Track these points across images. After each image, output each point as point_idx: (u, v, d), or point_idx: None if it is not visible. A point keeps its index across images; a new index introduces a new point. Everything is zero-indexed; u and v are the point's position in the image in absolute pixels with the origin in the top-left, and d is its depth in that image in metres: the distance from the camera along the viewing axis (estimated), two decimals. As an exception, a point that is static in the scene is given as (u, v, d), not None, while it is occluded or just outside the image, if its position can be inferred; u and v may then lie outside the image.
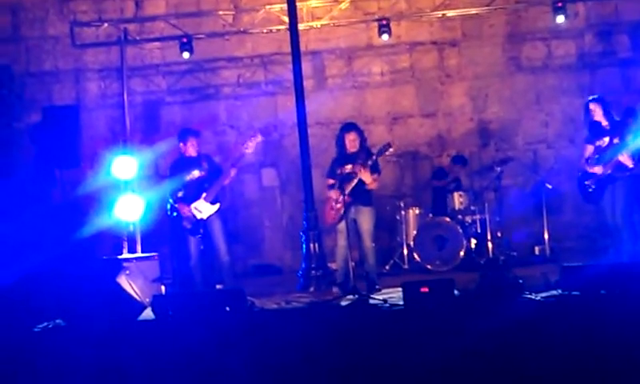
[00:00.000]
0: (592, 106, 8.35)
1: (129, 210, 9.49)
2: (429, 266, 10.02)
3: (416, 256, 10.16)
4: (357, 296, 7.89)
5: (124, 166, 9.61)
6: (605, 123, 8.29)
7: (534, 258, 10.40)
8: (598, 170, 8.21)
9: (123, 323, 7.25)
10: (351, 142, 8.59)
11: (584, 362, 5.70)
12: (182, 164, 8.80)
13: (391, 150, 8.72)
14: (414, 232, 10.30)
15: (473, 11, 11.04)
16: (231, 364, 6.08)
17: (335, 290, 8.45)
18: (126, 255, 9.35)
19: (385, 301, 7.62)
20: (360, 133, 8.69)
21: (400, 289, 7.26)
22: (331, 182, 8.67)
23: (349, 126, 8.79)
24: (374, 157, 8.50)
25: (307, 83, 10.39)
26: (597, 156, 8.30)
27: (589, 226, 10.73)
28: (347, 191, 8.38)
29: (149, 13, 11.77)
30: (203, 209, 8.58)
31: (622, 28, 11.41)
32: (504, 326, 6.12)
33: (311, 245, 9.20)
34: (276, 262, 11.76)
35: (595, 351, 5.77)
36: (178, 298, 7.73)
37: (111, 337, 6.70)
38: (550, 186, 10.52)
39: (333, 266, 8.88)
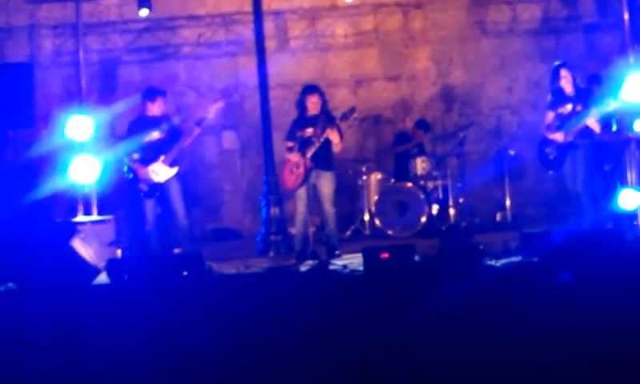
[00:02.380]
0: (563, 71, 8.23)
1: (84, 171, 9.26)
2: (390, 232, 9.97)
3: (377, 222, 10.10)
4: (316, 261, 7.84)
5: (79, 126, 9.36)
6: (569, 90, 8.23)
7: (495, 225, 10.41)
8: (559, 136, 8.16)
9: (77, 287, 7.13)
10: (313, 104, 8.46)
11: (541, 328, 5.69)
12: (141, 124, 8.60)
13: (356, 114, 8.67)
14: (376, 197, 10.24)
15: (438, -28, 10.93)
16: (188, 329, 5.97)
17: (293, 258, 8.35)
18: (80, 218, 9.16)
19: (345, 266, 7.60)
20: (322, 95, 8.56)
21: (360, 254, 7.22)
22: (290, 144, 8.54)
23: (310, 88, 8.66)
24: (338, 121, 8.39)
25: (269, 44, 10.23)
26: (558, 123, 8.25)
27: (550, 193, 10.73)
28: (309, 155, 8.26)
29: (107, -32, 11.45)
30: (161, 171, 8.41)
31: (587, -8, 11.36)
32: (464, 293, 6.10)
33: (271, 209, 9.15)
34: (235, 226, 11.64)
35: (553, 318, 5.76)
36: (133, 262, 7.65)
37: (64, 301, 6.58)
38: (512, 153, 10.51)
39: (293, 231, 8.80)
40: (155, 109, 8.59)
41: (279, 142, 9.26)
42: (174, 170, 8.46)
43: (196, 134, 8.53)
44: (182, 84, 11.72)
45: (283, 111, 10.35)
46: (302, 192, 8.32)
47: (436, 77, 11.69)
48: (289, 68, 11.27)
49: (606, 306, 5.73)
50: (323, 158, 8.36)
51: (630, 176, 8.30)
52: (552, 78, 8.33)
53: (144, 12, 10.55)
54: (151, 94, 8.69)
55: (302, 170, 8.29)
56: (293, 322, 5.97)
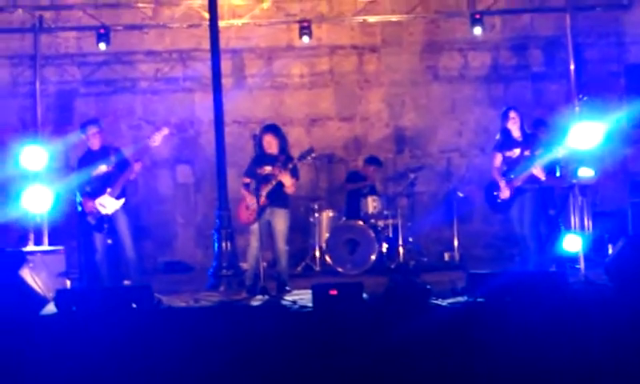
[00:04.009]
0: (512, 113, 8.46)
1: (36, 201, 9.24)
2: (340, 269, 10.06)
3: (328, 259, 10.18)
4: (266, 296, 7.88)
5: (33, 156, 9.36)
6: (517, 134, 8.46)
7: (443, 264, 10.55)
8: (506, 193, 8.36)
9: (24, 317, 7.07)
10: (269, 143, 8.53)
11: (486, 367, 5.82)
12: (88, 157, 8.66)
13: (314, 154, 8.78)
14: (327, 235, 10.32)
15: (393, 18, 11.15)
16: (134, 362, 5.99)
17: (243, 293, 8.38)
18: (31, 248, 9.11)
19: (294, 302, 7.63)
20: (280, 135, 8.63)
21: (310, 291, 7.29)
22: (247, 180, 8.62)
23: (267, 128, 8.73)
24: (296, 161, 8.48)
25: (226, 81, 10.34)
26: (505, 167, 8.48)
27: (497, 235, 10.97)
28: (264, 193, 8.33)
29: (66, 1, 11.46)
30: (108, 204, 8.43)
31: (536, 43, 11.68)
32: (410, 331, 6.20)
33: (223, 244, 9.16)
34: (187, 259, 11.62)
35: (497, 357, 5.89)
36: (82, 293, 7.58)
37: (11, 330, 6.52)
38: (461, 194, 10.71)
39: (244, 265, 8.84)
40: (93, 140, 8.64)
41: (233, 178, 9.34)
42: (121, 202, 8.49)
43: (138, 169, 8.55)
44: (138, 117, 11.74)
45: (238, 147, 10.45)
46: (255, 228, 8.37)
47: (389, 118, 11.88)
48: (245, 105, 11.40)
49: (546, 346, 5.90)
50: (278, 196, 8.41)
51: (574, 220, 8.51)
52: (502, 119, 8.56)
53: (102, 46, 10.64)
54: (82, 126, 8.80)
55: (255, 206, 8.35)
56: (240, 357, 6.02)
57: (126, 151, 8.81)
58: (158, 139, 8.56)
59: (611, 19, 11.39)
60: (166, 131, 8.65)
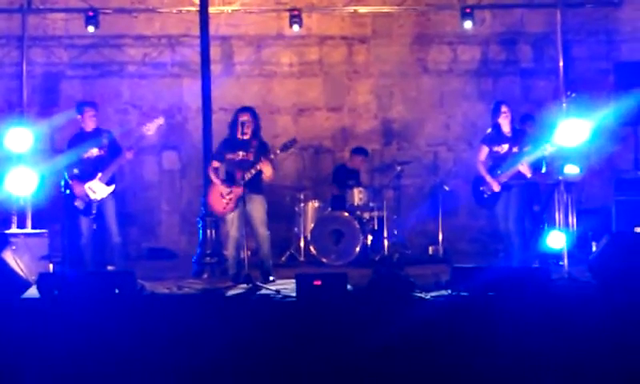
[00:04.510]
0: (504, 108, 8.47)
1: (20, 183, 9.16)
2: (324, 260, 10.05)
3: (312, 249, 10.17)
4: (250, 285, 7.86)
5: (18, 138, 9.28)
6: (507, 129, 8.48)
7: (427, 258, 10.56)
8: (495, 187, 8.40)
9: (6, 300, 7.04)
10: (246, 124, 8.30)
11: (469, 361, 5.83)
12: (80, 139, 8.59)
13: (297, 145, 8.72)
14: (312, 225, 10.31)
15: (384, 9, 11.14)
16: (116, 348, 5.96)
17: (227, 281, 8.34)
18: (14, 230, 9.05)
19: (277, 291, 7.63)
20: (256, 118, 8.45)
21: (294, 280, 7.28)
22: (216, 165, 8.52)
23: (246, 108, 8.53)
24: (278, 151, 8.39)
25: (214, 68, 10.28)
26: (491, 162, 8.49)
27: (482, 230, 11.00)
28: (244, 180, 8.16)
29: (54, -18, 11.40)
30: (97, 189, 8.39)
31: (526, 38, 11.68)
32: (393, 323, 6.21)
33: (208, 231, 9.15)
34: (171, 246, 11.57)
35: (480, 351, 5.91)
36: (65, 278, 7.53)
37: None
38: (447, 188, 10.71)
39: (227, 253, 8.80)
40: (88, 121, 8.59)
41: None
42: (111, 189, 8.46)
43: (130, 157, 8.50)
44: (125, 101, 11.67)
45: (225, 134, 10.38)
46: (233, 216, 8.28)
47: (377, 110, 11.86)
48: (232, 92, 11.34)
49: (529, 342, 5.92)
50: (254, 183, 8.27)
51: (558, 217, 8.54)
52: (493, 113, 8.57)
53: (91, 29, 10.56)
54: (78, 107, 8.74)
55: (233, 195, 8.26)
56: (222, 345, 6.00)
57: (116, 136, 8.78)
58: (152, 128, 8.53)
59: (601, 16, 11.42)
60: (161, 121, 8.62)
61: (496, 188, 8.40)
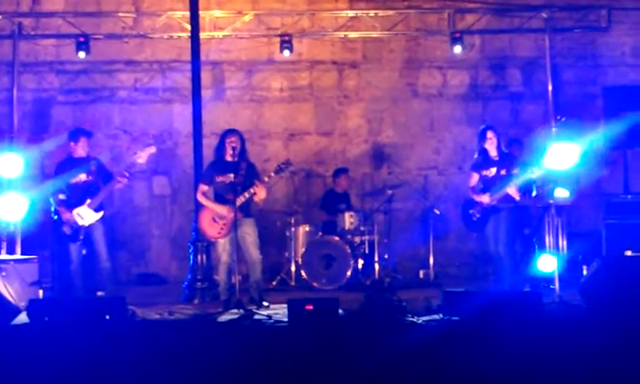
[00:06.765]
0: (490, 133, 8.52)
1: (10, 209, 9.15)
2: (315, 284, 10.05)
3: (303, 273, 10.17)
4: (241, 310, 7.84)
5: (9, 163, 9.29)
6: (494, 153, 8.51)
7: (418, 282, 10.57)
8: (485, 199, 8.40)
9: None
10: (234, 146, 8.29)
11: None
12: (69, 165, 8.57)
13: (291, 168, 8.70)
14: (303, 249, 10.31)
15: (374, 34, 11.20)
16: (107, 374, 5.92)
17: (218, 306, 8.30)
18: (3, 256, 9.02)
19: (269, 317, 7.61)
20: (242, 140, 8.44)
21: (286, 305, 7.26)
22: (205, 188, 8.49)
23: (232, 130, 8.53)
24: (273, 173, 8.41)
25: (205, 93, 10.33)
26: (481, 186, 8.52)
27: (472, 254, 11.02)
28: (238, 204, 8.16)
29: (46, 8, 11.42)
30: (86, 215, 8.36)
31: (514, 63, 11.78)
32: (386, 348, 6.19)
33: (198, 256, 9.14)
34: (162, 271, 11.56)
35: (471, 375, 5.89)
36: (55, 304, 7.50)
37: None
38: (437, 212, 10.74)
39: (218, 278, 8.78)
40: (80, 150, 8.57)
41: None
42: (99, 215, 8.43)
43: (123, 183, 8.48)
44: (116, 127, 11.69)
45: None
46: (225, 241, 8.27)
47: (367, 134, 11.91)
48: (223, 117, 11.36)
49: (521, 366, 5.91)
50: (245, 206, 8.28)
51: (548, 240, 8.57)
52: (479, 139, 8.61)
53: (82, 54, 10.59)
54: (75, 134, 8.68)
55: (226, 220, 8.21)
56: (214, 371, 5.97)
57: (105, 162, 8.77)
58: (144, 157, 8.51)
59: (589, 41, 11.55)
60: (153, 149, 8.60)
61: (486, 199, 8.38)
